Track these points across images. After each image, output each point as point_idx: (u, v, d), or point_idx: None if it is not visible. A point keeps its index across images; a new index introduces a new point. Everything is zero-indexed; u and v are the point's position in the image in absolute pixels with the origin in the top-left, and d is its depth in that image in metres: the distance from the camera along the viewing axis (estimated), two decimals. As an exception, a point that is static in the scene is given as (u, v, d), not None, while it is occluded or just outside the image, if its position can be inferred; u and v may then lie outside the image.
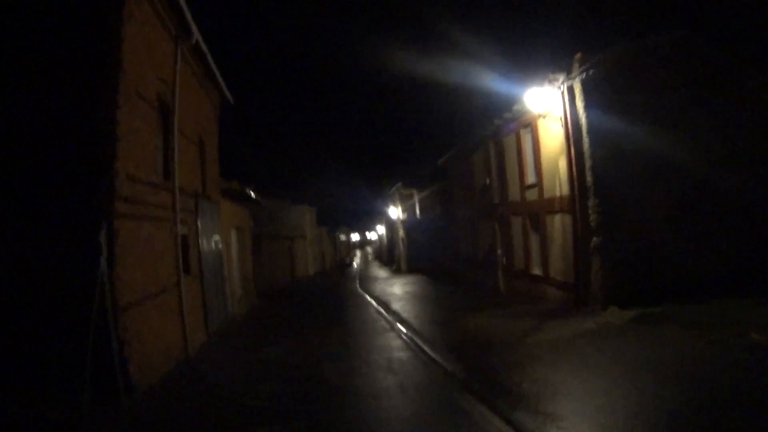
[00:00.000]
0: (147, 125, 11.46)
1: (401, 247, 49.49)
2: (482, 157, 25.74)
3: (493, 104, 22.68)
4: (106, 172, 9.37)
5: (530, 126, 19.20)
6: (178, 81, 13.67)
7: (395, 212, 51.71)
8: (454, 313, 18.10)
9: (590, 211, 15.32)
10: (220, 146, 20.46)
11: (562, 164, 16.55)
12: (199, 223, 15.45)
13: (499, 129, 22.50)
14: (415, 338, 14.14)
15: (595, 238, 15.20)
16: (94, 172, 9.38)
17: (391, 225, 59.31)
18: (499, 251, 23.93)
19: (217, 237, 17.99)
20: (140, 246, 10.59)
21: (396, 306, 21.31)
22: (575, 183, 15.63)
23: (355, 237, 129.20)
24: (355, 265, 76.65)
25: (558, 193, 17.06)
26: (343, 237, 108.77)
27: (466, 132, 27.80)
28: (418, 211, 46.25)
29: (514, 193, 21.44)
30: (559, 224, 17.21)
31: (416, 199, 46.41)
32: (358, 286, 35.02)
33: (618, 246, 15.01)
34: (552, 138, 17.33)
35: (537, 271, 19.38)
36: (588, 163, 15.35)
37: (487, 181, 24.60)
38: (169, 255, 12.47)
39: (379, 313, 20.11)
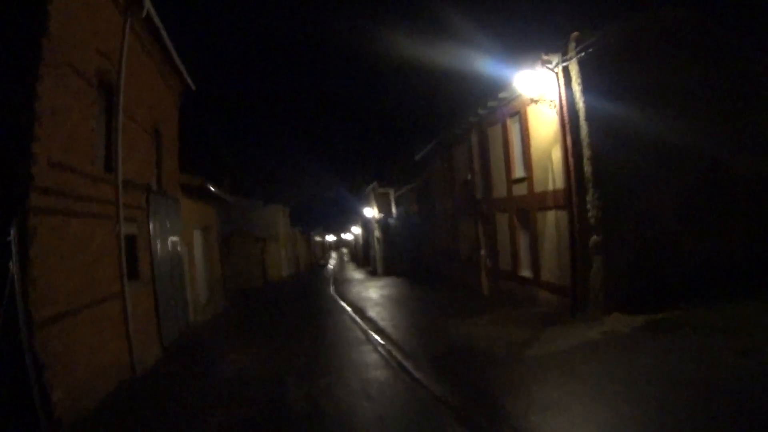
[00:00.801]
0: (82, 105, 9.76)
1: (377, 248, 47.84)
2: (464, 150, 24.17)
3: (477, 92, 21.23)
4: (20, 156, 7.64)
5: (519, 114, 17.67)
6: (125, 58, 11.97)
7: (370, 212, 49.97)
8: (437, 320, 16.46)
9: (589, 206, 13.84)
10: (183, 138, 18.72)
11: (556, 155, 15.05)
12: (151, 222, 13.70)
13: (483, 119, 20.96)
14: (394, 352, 12.42)
15: (594, 236, 13.72)
16: (4, 156, 7.66)
17: (366, 225, 57.55)
18: (482, 251, 22.36)
19: (175, 238, 16.23)
20: (68, 247, 8.83)
21: (372, 312, 19.63)
22: (571, 175, 14.16)
23: (330, 238, 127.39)
24: (330, 266, 75.04)
25: (551, 187, 15.55)
26: (318, 238, 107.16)
27: (446, 124, 26.19)
28: (394, 210, 44.61)
29: (499, 189, 19.89)
30: (552, 221, 15.69)
31: (392, 197, 44.79)
32: (332, 289, 32.93)
33: (621, 244, 13.59)
34: (544, 126, 15.84)
35: (526, 272, 17.84)
36: (586, 153, 13.89)
37: (469, 176, 23.00)
38: (109, 258, 10.72)
39: (354, 320, 18.35)
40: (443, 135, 26.89)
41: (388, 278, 37.30)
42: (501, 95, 18.07)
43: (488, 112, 20.13)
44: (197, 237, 21.20)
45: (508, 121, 18.66)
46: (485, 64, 18.32)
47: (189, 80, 18.12)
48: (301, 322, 18.59)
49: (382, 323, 16.77)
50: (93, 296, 9.64)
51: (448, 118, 26.32)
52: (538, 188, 16.44)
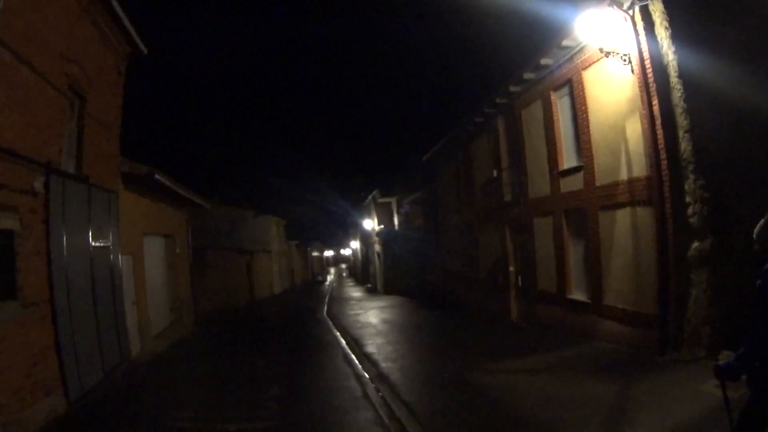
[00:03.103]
0: None
1: (377, 264, 43.44)
2: (487, 142, 19.83)
3: (503, 66, 17.03)
4: None
5: (569, 83, 13.43)
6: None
7: (370, 224, 45.56)
8: (462, 361, 11.82)
9: (689, 199, 9.64)
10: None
11: (634, 129, 10.85)
12: (52, 216, 9.36)
13: (513, 99, 16.66)
14: (409, 426, 7.76)
15: (696, 242, 9.46)
16: None
17: (365, 239, 52.93)
18: (511, 267, 17.91)
19: (107, 243, 11.93)
20: None
21: (371, 347, 14.84)
22: (661, 155, 9.96)
23: (329, 253, 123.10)
24: (327, 282, 70.60)
25: (624, 176, 11.26)
26: (316, 253, 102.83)
27: (462, 114, 21.85)
28: (396, 222, 40.24)
29: (539, 185, 15.48)
30: (625, 222, 11.36)
31: (394, 207, 40.47)
32: (325, 311, 28.00)
33: (733, 254, 9.27)
34: (610, 94, 11.69)
35: (579, 295, 13.42)
36: (681, 123, 9.73)
37: (495, 174, 18.60)
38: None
39: (348, 359, 13.41)
40: (458, 127, 22.45)
41: (389, 298, 32.79)
42: (543, 61, 13.91)
43: (522, 89, 15.88)
44: (153, 246, 16.86)
45: (552, 96, 14.39)
46: (519, 21, 14.10)
47: (137, 40, 13.85)
48: (275, 361, 13.69)
49: (385, 365, 12.11)
50: None
51: (465, 106, 22.02)
52: (601, 179, 12.11)
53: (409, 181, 38.70)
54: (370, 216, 46.20)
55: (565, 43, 12.56)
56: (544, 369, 10.36)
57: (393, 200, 40.71)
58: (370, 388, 10.15)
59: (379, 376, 10.99)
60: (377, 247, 42.59)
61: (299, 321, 23.87)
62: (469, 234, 22.85)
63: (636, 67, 10.50)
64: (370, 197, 45.02)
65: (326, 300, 36.15)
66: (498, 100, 17.38)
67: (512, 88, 16.12)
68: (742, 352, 4.01)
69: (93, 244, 11.19)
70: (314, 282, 72.74)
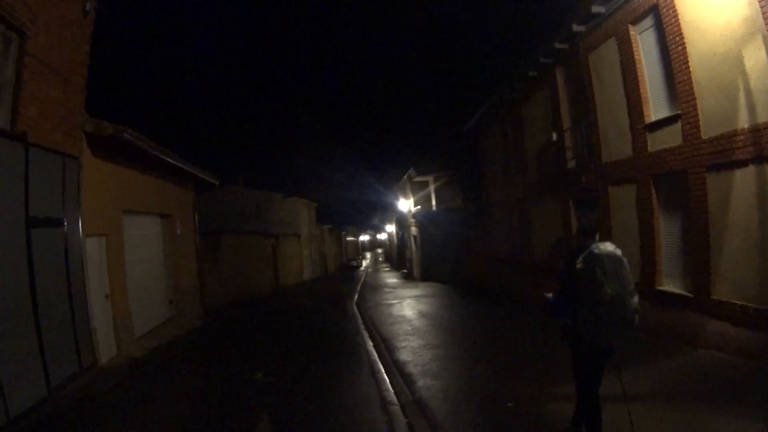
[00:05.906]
0: None
1: (413, 248, 40.40)
2: (542, 99, 16.61)
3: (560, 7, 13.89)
4: None
5: (655, 10, 10.26)
6: None
7: (406, 205, 42.39)
8: (526, 380, 8.31)
9: None
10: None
11: (757, 58, 7.74)
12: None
13: (577, 42, 13.45)
14: None
15: None
16: None
17: (401, 221, 49.71)
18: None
19: (56, 219, 9.25)
20: None
21: (405, 352, 11.63)
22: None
23: (365, 238, 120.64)
24: (362, 267, 67.81)
25: (745, 122, 8.12)
26: (351, 237, 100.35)
27: (509, 72, 18.54)
28: (434, 202, 37.09)
29: (615, 145, 12.27)
30: (746, 187, 8.22)
31: (432, 187, 37.31)
32: (356, 300, 24.74)
33: None
34: (716, 15, 8.66)
35: (673, 286, 10.31)
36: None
37: (554, 137, 15.41)
38: None
39: (374, 373, 10.01)
40: (505, 86, 19.19)
41: (426, 285, 29.71)
42: (619, -14, 10.78)
43: (589, 28, 12.72)
44: (142, 227, 14.18)
45: (632, 31, 11.19)
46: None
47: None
48: (277, 374, 10.19)
49: (422, 384, 8.88)
50: None
51: (511, 64, 18.77)
52: (709, 130, 8.94)
53: (447, 157, 35.60)
54: (405, 196, 43.13)
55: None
56: (651, 394, 7.16)
57: (430, 178, 37.53)
58: (401, 424, 6.96)
59: (416, 404, 7.76)
60: (413, 230, 39.58)
61: (323, 313, 20.84)
62: (520, 212, 19.61)
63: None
64: (405, 176, 41.88)
65: (358, 287, 33.21)
66: (558, 46, 14.14)
67: (576, 28, 12.93)
68: (558, 299, 4.99)
69: (33, 219, 8.49)
70: (348, 267, 70.25)
